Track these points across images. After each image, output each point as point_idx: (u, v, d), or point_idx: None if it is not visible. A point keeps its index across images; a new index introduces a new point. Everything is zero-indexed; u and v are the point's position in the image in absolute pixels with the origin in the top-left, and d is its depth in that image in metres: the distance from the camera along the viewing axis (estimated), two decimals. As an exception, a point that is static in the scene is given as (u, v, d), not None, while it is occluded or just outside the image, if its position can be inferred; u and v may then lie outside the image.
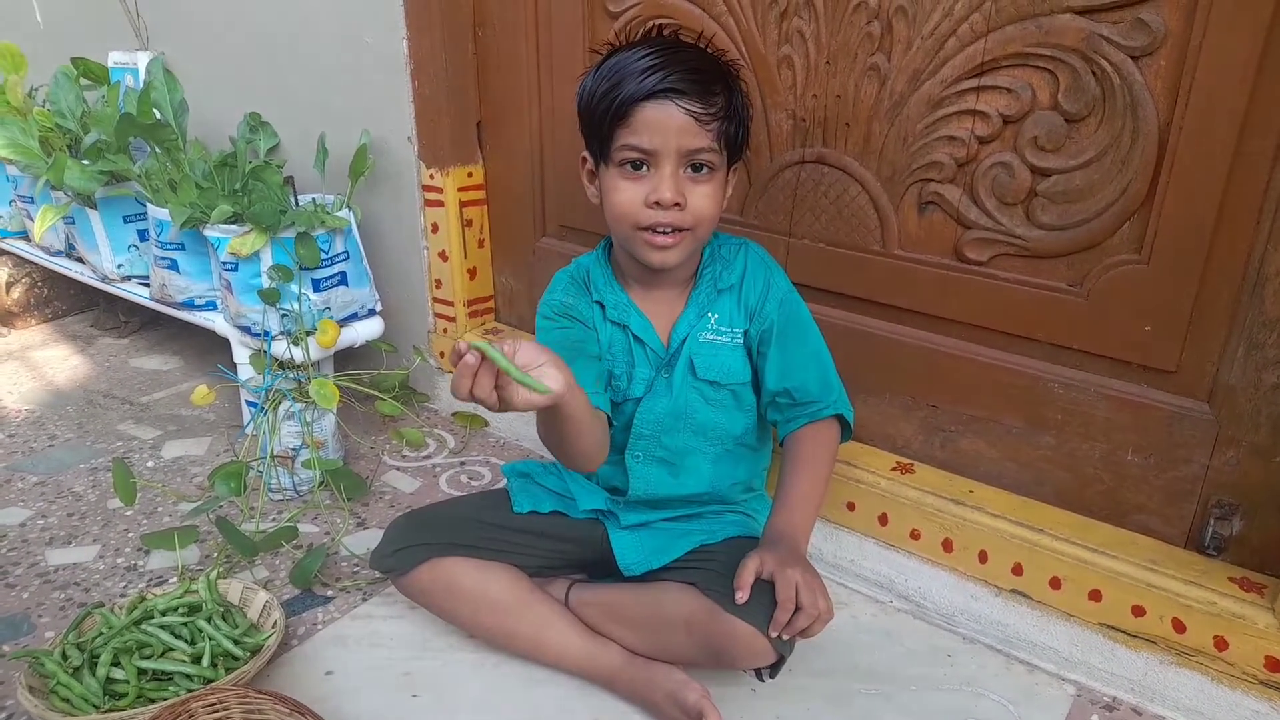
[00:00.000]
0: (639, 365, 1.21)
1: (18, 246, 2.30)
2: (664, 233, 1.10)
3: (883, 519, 1.32)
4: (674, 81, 1.04)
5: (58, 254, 2.17)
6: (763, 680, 1.10)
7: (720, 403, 1.21)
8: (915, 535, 1.30)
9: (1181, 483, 1.15)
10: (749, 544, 1.11)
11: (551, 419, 1.00)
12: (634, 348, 1.20)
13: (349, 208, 1.74)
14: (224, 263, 1.65)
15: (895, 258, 1.31)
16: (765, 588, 1.01)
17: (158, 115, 1.82)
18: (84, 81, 2.02)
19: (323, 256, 1.67)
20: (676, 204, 1.08)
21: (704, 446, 1.23)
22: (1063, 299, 1.18)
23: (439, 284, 1.85)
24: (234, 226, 1.64)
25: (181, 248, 1.81)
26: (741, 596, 0.99)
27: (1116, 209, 1.12)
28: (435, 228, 1.80)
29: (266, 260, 1.63)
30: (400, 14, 1.66)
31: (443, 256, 1.81)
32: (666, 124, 1.05)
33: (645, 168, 1.08)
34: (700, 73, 1.07)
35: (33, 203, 2.13)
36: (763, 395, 1.22)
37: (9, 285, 2.35)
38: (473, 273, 1.84)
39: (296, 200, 1.74)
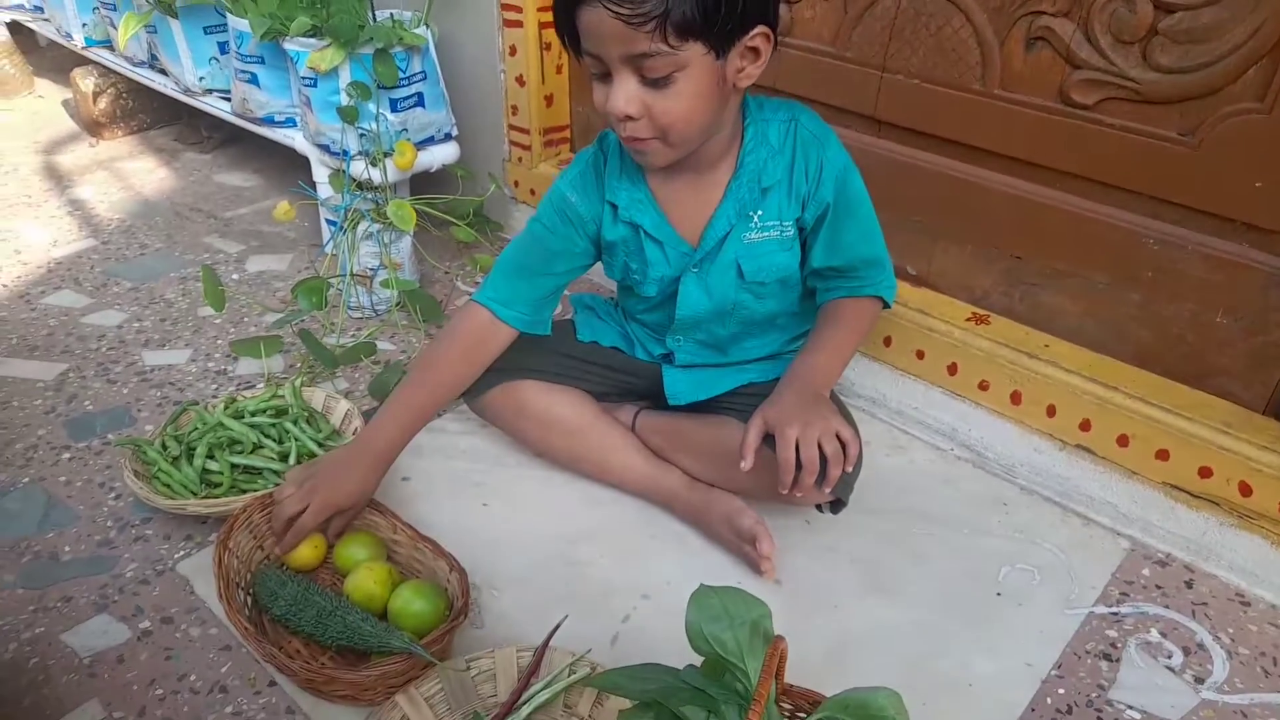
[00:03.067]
0: (654, 264, 1.13)
1: (103, 55, 2.32)
2: (637, 138, 0.99)
3: (952, 368, 1.31)
4: None
5: (141, 64, 2.18)
6: (823, 513, 1.14)
7: (770, 293, 1.16)
8: (984, 386, 1.29)
9: (1270, 348, 1.11)
10: None
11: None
12: (647, 246, 1.12)
13: (426, 25, 1.70)
14: (303, 78, 1.65)
15: (995, 98, 1.24)
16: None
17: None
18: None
19: (400, 76, 1.65)
20: (629, 116, 0.95)
21: (754, 330, 1.22)
22: (1171, 149, 1.11)
23: (515, 110, 1.82)
24: (313, 40, 1.63)
25: (261, 61, 1.80)
26: (745, 464, 0.97)
27: (1244, 52, 1.04)
28: (513, 50, 1.76)
29: (345, 77, 1.62)
30: None
31: (520, 81, 1.77)
32: (601, 31, 0.91)
33: (608, 75, 0.95)
34: None
35: (115, 10, 2.13)
36: (806, 266, 1.14)
37: (95, 95, 2.38)
38: (549, 99, 1.80)
39: (375, 15, 1.71)
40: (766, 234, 1.10)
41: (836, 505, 1.11)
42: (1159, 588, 1.12)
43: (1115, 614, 1.08)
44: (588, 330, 1.29)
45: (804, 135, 1.08)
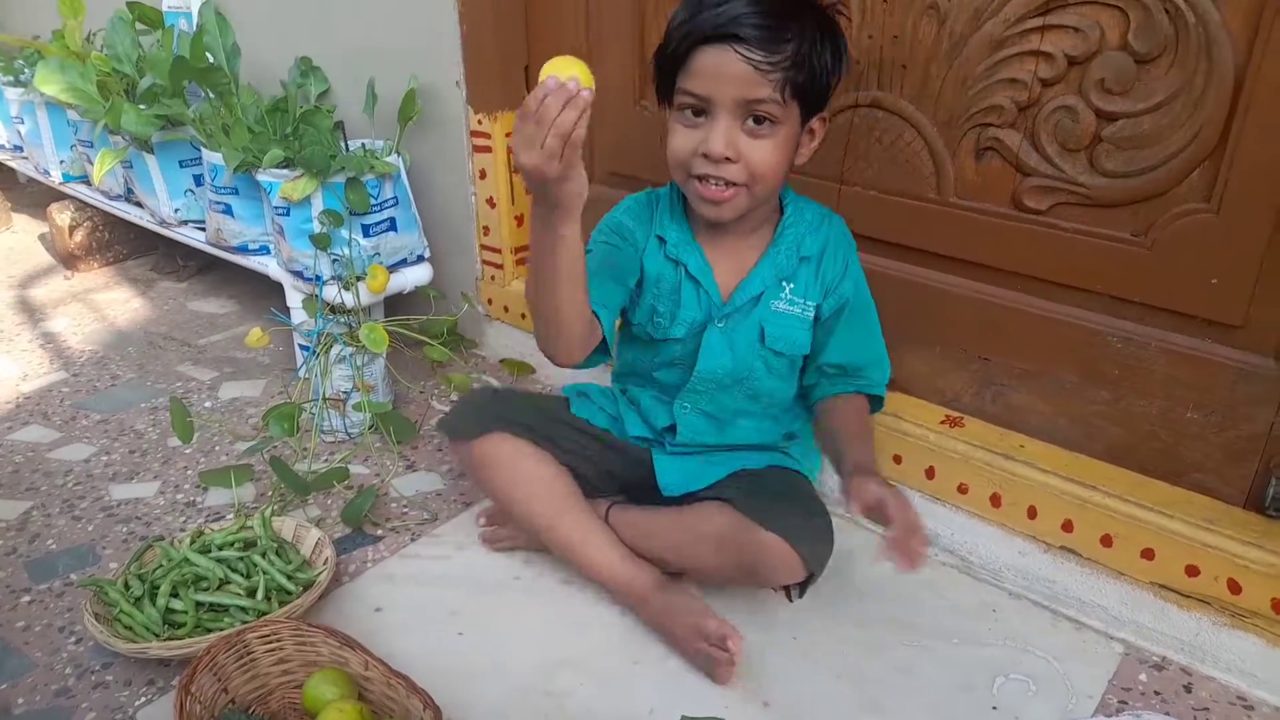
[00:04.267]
0: (685, 306, 1.18)
1: (79, 190, 2.35)
2: (716, 185, 1.07)
3: (930, 472, 1.31)
4: (737, 24, 0.98)
5: (117, 198, 2.21)
6: (791, 600, 1.14)
7: (779, 371, 1.21)
8: (963, 489, 1.28)
9: (1243, 441, 1.11)
10: (790, 474, 1.21)
11: (550, 250, 0.96)
12: (684, 287, 1.18)
13: (398, 153, 1.74)
14: (276, 207, 1.67)
15: (951, 206, 1.27)
16: (792, 507, 1.10)
17: (210, 59, 1.83)
18: (139, 26, 2.04)
19: (372, 202, 1.68)
20: (727, 158, 1.04)
21: (755, 410, 1.24)
22: (1125, 249, 1.14)
23: (486, 230, 1.85)
24: (286, 171, 1.66)
25: (235, 192, 1.83)
26: (859, 509, 0.96)
27: (1186, 155, 1.07)
28: (483, 174, 1.80)
29: (317, 205, 1.65)
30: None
31: (490, 203, 1.81)
32: (722, 72, 1.00)
33: (703, 115, 1.05)
34: (774, 15, 0.99)
35: (92, 147, 2.18)
36: (811, 362, 1.22)
37: (72, 229, 2.41)
38: (520, 219, 1.83)
39: (346, 145, 1.75)
40: (792, 308, 1.17)
41: (805, 584, 1.12)
42: (1158, 693, 1.09)
43: (1114, 723, 1.05)
44: (582, 408, 1.30)
45: (837, 233, 1.19)
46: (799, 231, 1.17)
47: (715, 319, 1.17)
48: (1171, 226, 1.10)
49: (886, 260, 1.35)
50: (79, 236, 2.42)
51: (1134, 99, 1.09)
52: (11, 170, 2.76)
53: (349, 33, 1.89)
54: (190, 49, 1.78)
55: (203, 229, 1.99)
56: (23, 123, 2.42)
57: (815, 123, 1.10)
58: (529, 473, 1.21)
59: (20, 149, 2.57)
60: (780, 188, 1.13)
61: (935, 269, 1.33)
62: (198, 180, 2.00)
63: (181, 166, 2.00)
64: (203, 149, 1.83)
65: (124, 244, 2.49)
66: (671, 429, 1.25)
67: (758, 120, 1.03)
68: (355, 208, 1.65)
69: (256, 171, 1.70)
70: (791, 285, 1.17)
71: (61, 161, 2.37)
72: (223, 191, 1.84)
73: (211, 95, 1.79)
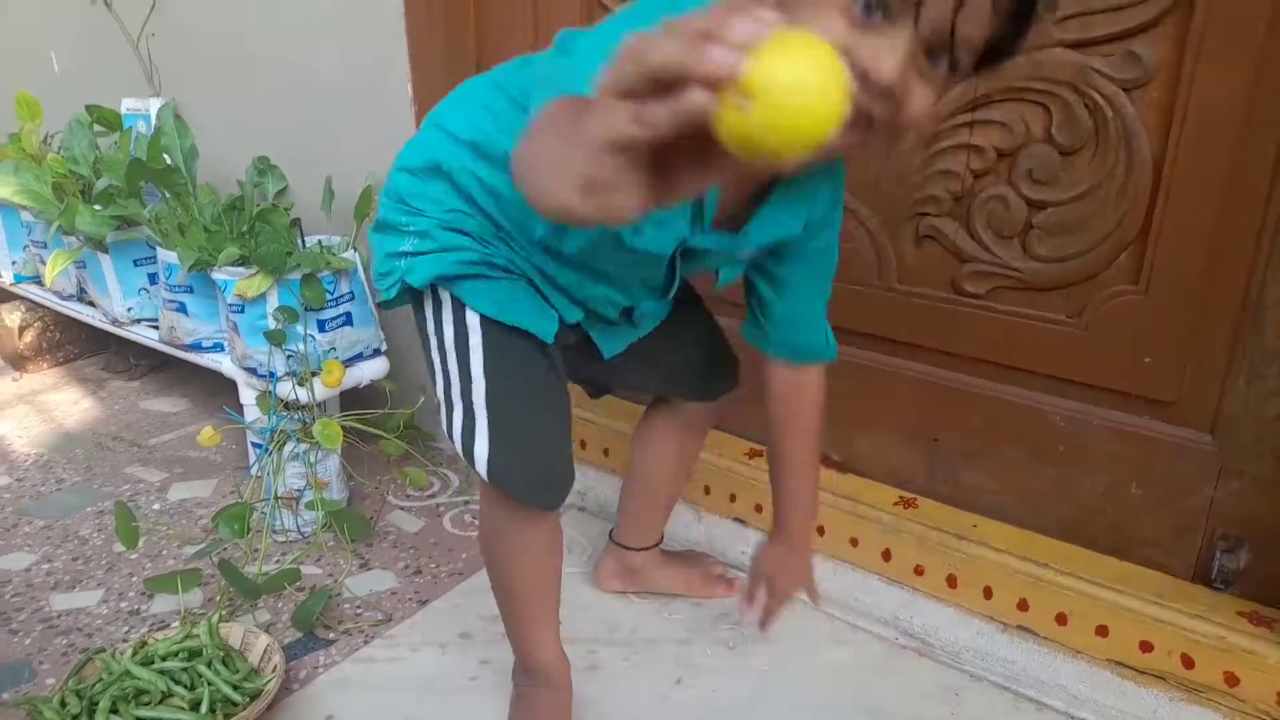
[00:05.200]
0: (674, 219, 0.91)
1: (31, 291, 2.33)
2: None
3: (886, 555, 1.31)
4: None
5: (69, 298, 2.19)
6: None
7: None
8: (919, 571, 1.28)
9: (1186, 515, 1.14)
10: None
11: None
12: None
13: (354, 249, 1.76)
14: (231, 305, 1.67)
15: (894, 291, 1.31)
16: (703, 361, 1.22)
17: (168, 160, 1.85)
18: (97, 128, 2.06)
19: (328, 297, 1.69)
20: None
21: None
22: (1062, 331, 1.18)
23: (443, 323, 1.85)
24: (241, 269, 1.66)
25: (190, 290, 1.83)
26: (748, 614, 1.20)
27: (1113, 240, 1.12)
28: (439, 267, 1.81)
29: (273, 302, 1.65)
30: (405, 58, 1.69)
31: (447, 296, 1.82)
32: None
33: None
34: None
35: (45, 248, 2.17)
36: (760, 301, 1.05)
37: (22, 329, 2.38)
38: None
39: (303, 242, 1.76)
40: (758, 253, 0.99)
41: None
42: (1122, 773, 1.08)
43: (1082, 807, 1.03)
44: (539, 321, 1.00)
45: (834, 186, 0.99)
46: (811, 183, 0.95)
47: (688, 241, 0.93)
48: (1104, 308, 1.14)
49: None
50: (29, 337, 2.38)
51: (1060, 188, 1.14)
52: (-39, 272, 2.72)
53: (307, 130, 1.92)
54: (147, 151, 1.80)
55: (156, 327, 1.98)
56: (-26, 224, 2.41)
57: None
58: (541, 569, 1.10)
59: (-29, 251, 2.55)
60: None
61: (882, 352, 1.35)
62: (152, 279, 2.00)
63: (136, 265, 1.99)
64: (158, 248, 1.84)
65: (75, 344, 2.46)
66: (628, 313, 1.07)
67: None
68: (311, 304, 1.66)
69: (211, 270, 1.70)
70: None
71: (14, 263, 2.35)
72: (177, 290, 1.84)
73: (168, 196, 1.81)
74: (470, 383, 0.99)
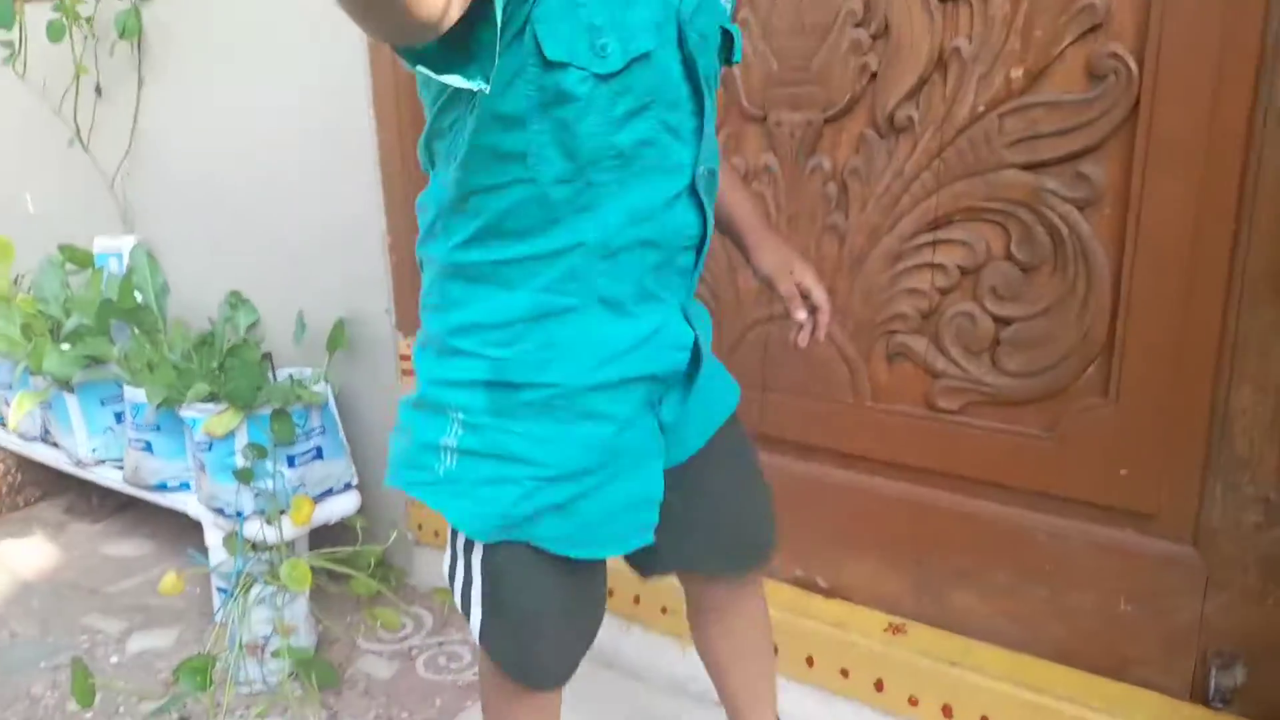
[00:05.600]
0: (635, 5, 0.75)
1: (-7, 433, 2.28)
2: None
3: (879, 685, 1.26)
4: None
5: (33, 439, 2.15)
6: None
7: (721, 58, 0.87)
8: (914, 702, 1.23)
9: (1178, 632, 1.11)
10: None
11: None
12: None
13: (326, 381, 1.74)
14: (199, 443, 1.64)
15: (869, 409, 1.31)
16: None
17: (139, 299, 1.85)
18: (69, 266, 2.07)
19: (299, 431, 1.66)
20: None
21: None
22: (1037, 445, 1.17)
23: (417, 454, 1.83)
24: (210, 406, 1.64)
25: (157, 429, 1.80)
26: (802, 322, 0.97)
27: (1079, 354, 1.13)
28: (412, 398, 1.80)
29: (242, 439, 1.62)
30: (378, 191, 1.72)
31: (420, 426, 1.80)
32: None
33: None
34: None
35: (11, 389, 2.14)
36: None
37: (-18, 473, 2.32)
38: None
39: (274, 375, 1.75)
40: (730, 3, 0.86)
41: None
42: None
43: None
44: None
45: None
46: None
47: (684, 12, 0.78)
48: (1076, 421, 1.14)
49: (812, 464, 1.37)
50: (-11, 481, 2.32)
51: (1024, 304, 1.16)
52: (-76, 415, 2.67)
53: (280, 265, 1.93)
54: (119, 290, 1.80)
55: (120, 468, 1.93)
56: (-60, 368, 2.38)
57: None
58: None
59: (-65, 393, 2.51)
60: None
61: (861, 471, 1.34)
62: (118, 417, 1.96)
63: (102, 404, 1.96)
64: (125, 386, 1.81)
65: (37, 485, 2.39)
66: (691, 349, 0.88)
67: None
68: (281, 439, 1.63)
69: (180, 407, 1.67)
70: None
71: (-23, 405, 2.31)
72: (144, 429, 1.80)
73: (138, 333, 1.80)
74: (472, 551, 0.89)
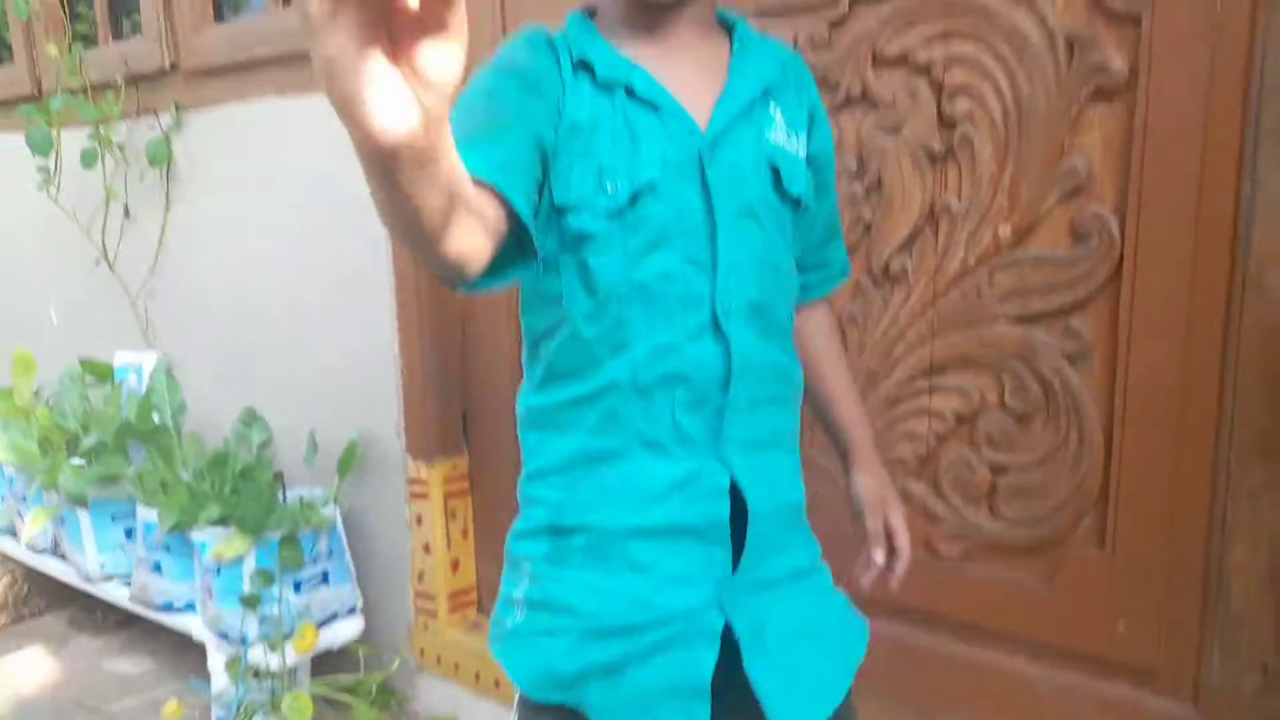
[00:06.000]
0: (644, 141, 0.77)
1: (4, 543, 2.31)
2: None
3: (883, 835, 1.24)
4: None
5: (43, 551, 2.17)
6: None
7: (791, 232, 0.86)
8: None
9: (1194, 795, 1.09)
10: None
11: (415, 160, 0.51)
12: (639, 119, 0.78)
13: (335, 503, 1.77)
14: (207, 566, 1.66)
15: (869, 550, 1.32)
16: None
17: (156, 419, 1.89)
18: (89, 378, 2.12)
19: (306, 557, 1.68)
20: None
21: (784, 296, 0.87)
22: (1037, 594, 1.18)
23: (421, 576, 1.84)
24: (220, 529, 1.66)
25: (167, 549, 1.82)
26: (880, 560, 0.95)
27: (1074, 504, 1.15)
28: (420, 519, 1.82)
29: (250, 564, 1.64)
30: (392, 315, 1.77)
31: (426, 549, 1.81)
32: None
33: None
34: None
35: (25, 501, 2.17)
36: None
37: (-10, 583, 2.33)
38: (455, 565, 1.83)
39: (285, 495, 1.78)
40: (791, 139, 0.83)
41: None
42: None
43: None
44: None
45: (799, 64, 0.88)
46: (761, 48, 0.85)
47: (702, 150, 0.78)
48: (1074, 572, 1.15)
49: (815, 603, 1.37)
50: (-4, 591, 2.34)
51: (1019, 452, 1.18)
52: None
53: (295, 384, 1.98)
54: (137, 411, 1.85)
55: (128, 584, 1.94)
56: (-44, 476, 2.42)
57: None
58: None
59: (-51, 503, 2.54)
60: None
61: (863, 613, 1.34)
62: (128, 533, 1.99)
63: (114, 520, 1.99)
64: (138, 505, 1.84)
65: (43, 596, 2.40)
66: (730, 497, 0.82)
67: None
68: (289, 565, 1.65)
69: (191, 530, 1.70)
70: (781, 109, 0.83)
71: (-10, 515, 2.34)
72: (154, 549, 1.83)
73: (154, 453, 1.84)
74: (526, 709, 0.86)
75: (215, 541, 1.64)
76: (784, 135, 0.82)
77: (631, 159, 0.76)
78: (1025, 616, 1.18)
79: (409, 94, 0.45)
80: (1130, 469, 1.10)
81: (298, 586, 1.67)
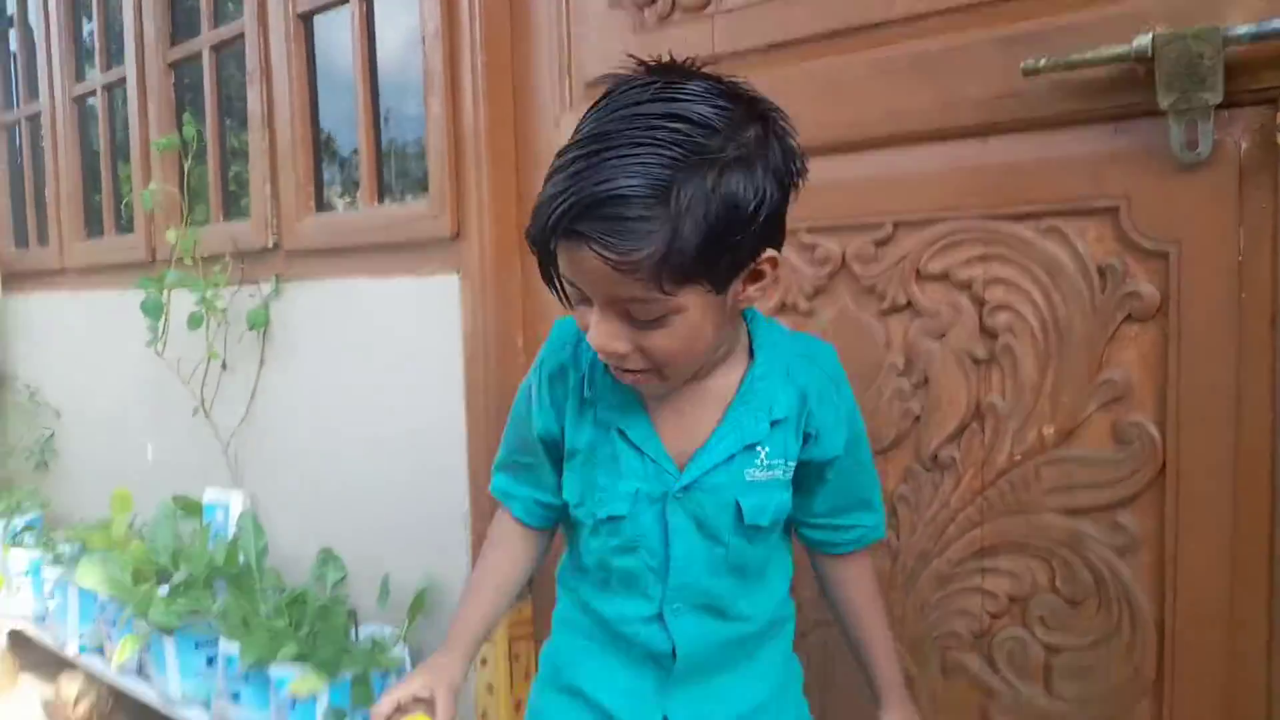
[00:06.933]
0: (625, 477, 0.95)
1: (92, 662, 2.42)
2: (621, 370, 0.89)
3: None
4: (579, 221, 0.76)
5: (128, 672, 2.27)
6: None
7: (763, 539, 1.00)
8: None
9: None
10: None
11: None
12: (624, 455, 0.95)
13: (404, 642, 1.85)
14: (282, 700, 1.74)
15: (927, 721, 1.34)
16: None
17: (241, 559, 2.00)
18: (180, 514, 2.26)
19: (376, 694, 1.75)
20: (616, 352, 0.85)
21: (748, 583, 1.02)
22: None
23: (485, 715, 1.89)
24: (296, 666, 1.75)
25: (245, 680, 1.90)
26: None
27: (1131, 688, 1.17)
28: (484, 661, 1.88)
29: (323, 702, 1.72)
30: (465, 473, 1.87)
31: (490, 689, 1.87)
32: (582, 266, 0.79)
33: (587, 303, 0.85)
34: (622, 202, 0.75)
35: (114, 625, 2.29)
36: (801, 511, 1.05)
37: (77, 700, 2.44)
38: (518, 705, 1.88)
39: (357, 633, 1.86)
40: (772, 473, 0.95)
41: None
42: None
43: None
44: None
45: (820, 372, 0.98)
46: (770, 386, 0.94)
47: (671, 494, 0.95)
48: (1132, 764, 1.16)
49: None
50: (82, 709, 2.44)
51: (1072, 635, 1.21)
52: (27, 637, 2.84)
53: (370, 527, 2.08)
54: (225, 553, 1.96)
55: (207, 709, 2.03)
56: (53, 598, 2.56)
57: (763, 264, 0.84)
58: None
59: (43, 619, 2.68)
60: (713, 351, 0.90)
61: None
62: (210, 661, 2.08)
63: (197, 648, 2.09)
64: (221, 636, 1.94)
65: (125, 715, 2.50)
66: (670, 654, 1.00)
67: (638, 320, 0.83)
68: (360, 704, 1.72)
69: (269, 665, 1.79)
70: (767, 449, 0.95)
71: (80, 634, 2.46)
72: (234, 680, 1.92)
73: (237, 592, 1.94)
74: None
75: (292, 679, 1.73)
76: (764, 472, 0.95)
77: (612, 490, 0.96)
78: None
79: None
80: (1184, 659, 1.12)
81: None
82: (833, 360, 1.01)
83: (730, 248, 0.80)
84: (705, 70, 0.83)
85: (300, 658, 1.78)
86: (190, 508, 2.27)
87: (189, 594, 2.00)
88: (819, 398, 0.97)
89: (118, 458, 2.75)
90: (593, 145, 0.77)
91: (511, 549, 1.09)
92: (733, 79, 0.83)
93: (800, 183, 0.85)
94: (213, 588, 2.01)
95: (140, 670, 2.25)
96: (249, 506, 2.23)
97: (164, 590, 2.06)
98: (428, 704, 1.01)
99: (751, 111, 0.81)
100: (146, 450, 2.56)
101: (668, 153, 0.75)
